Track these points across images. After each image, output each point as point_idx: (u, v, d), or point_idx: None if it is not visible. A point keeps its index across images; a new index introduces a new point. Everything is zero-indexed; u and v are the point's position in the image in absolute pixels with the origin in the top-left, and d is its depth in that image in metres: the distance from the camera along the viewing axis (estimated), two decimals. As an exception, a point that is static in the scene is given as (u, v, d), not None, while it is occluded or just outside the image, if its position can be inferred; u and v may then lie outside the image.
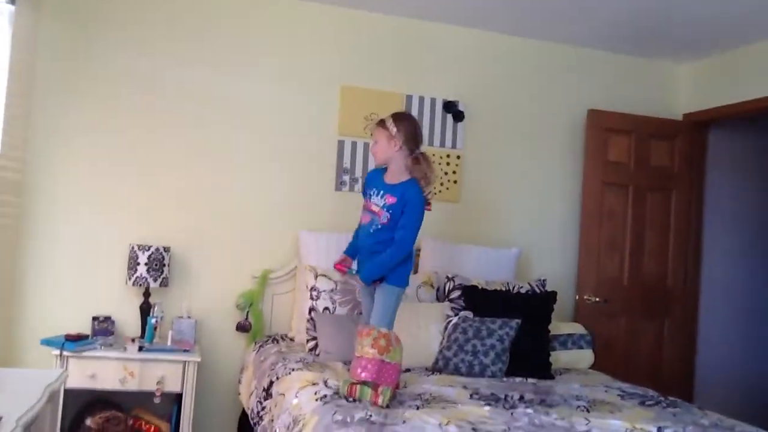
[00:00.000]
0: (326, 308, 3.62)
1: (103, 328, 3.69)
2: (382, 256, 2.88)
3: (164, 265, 3.74)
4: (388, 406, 2.60)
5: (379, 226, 2.90)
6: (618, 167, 4.61)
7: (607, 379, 3.56)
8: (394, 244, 2.87)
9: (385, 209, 2.89)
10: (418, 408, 2.61)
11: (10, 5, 3.27)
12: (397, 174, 2.94)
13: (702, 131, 4.86)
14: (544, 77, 4.64)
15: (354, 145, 4.23)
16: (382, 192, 2.93)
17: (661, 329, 4.66)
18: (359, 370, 2.68)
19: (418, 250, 4.16)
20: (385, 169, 3.01)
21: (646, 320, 4.62)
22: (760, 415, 4.17)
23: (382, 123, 2.97)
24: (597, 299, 4.45)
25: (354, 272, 3.09)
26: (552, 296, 3.83)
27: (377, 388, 2.63)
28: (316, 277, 3.69)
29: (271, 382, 3.10)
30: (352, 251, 3.19)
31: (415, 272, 4.07)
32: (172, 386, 3.51)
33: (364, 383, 2.65)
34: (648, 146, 4.67)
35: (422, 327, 3.51)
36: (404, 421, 2.36)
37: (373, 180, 3.04)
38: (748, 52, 4.40)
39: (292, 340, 3.82)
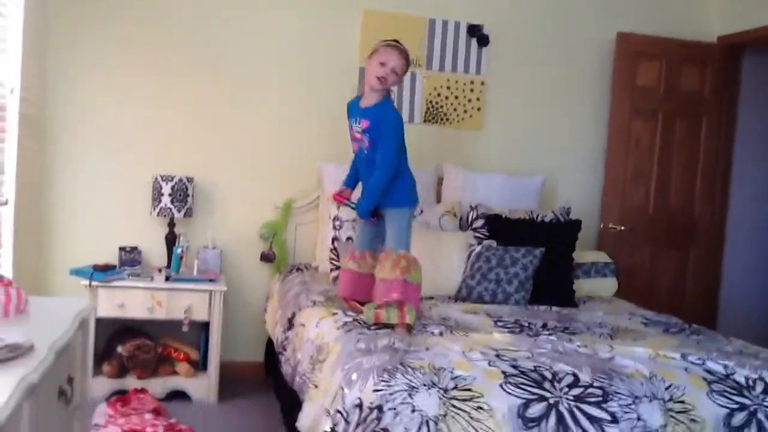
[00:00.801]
0: (349, 238, 3.63)
1: (130, 258, 3.74)
2: (368, 184, 2.90)
3: (188, 195, 3.75)
4: (412, 328, 2.64)
5: (366, 152, 2.89)
6: (647, 93, 4.47)
7: (631, 306, 3.56)
8: (377, 168, 2.84)
9: (364, 134, 2.86)
10: (441, 334, 2.63)
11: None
12: (372, 97, 2.87)
13: (737, 55, 4.66)
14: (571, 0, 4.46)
15: (375, 72, 4.14)
16: (358, 117, 2.89)
17: (686, 259, 4.60)
18: (387, 292, 2.70)
19: (441, 178, 4.13)
20: (360, 97, 2.98)
21: (670, 250, 4.56)
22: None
23: (405, 54, 2.85)
24: (621, 228, 4.41)
25: (352, 205, 3.06)
26: (576, 225, 3.80)
27: (402, 307, 2.66)
28: (338, 206, 3.69)
29: (294, 313, 3.14)
30: (351, 182, 3.16)
31: (438, 201, 4.05)
32: (199, 315, 3.58)
33: (389, 305, 2.67)
34: (679, 71, 4.50)
35: (445, 256, 3.51)
36: (427, 348, 2.38)
37: (352, 108, 2.98)
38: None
39: (316, 269, 3.84)
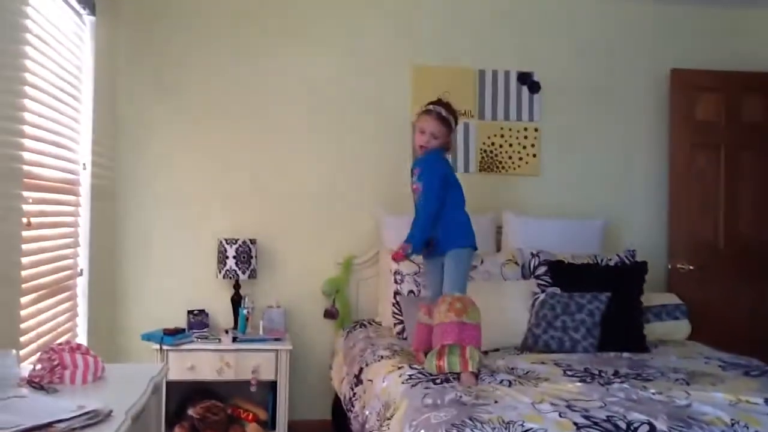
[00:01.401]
0: (411, 291, 3.64)
1: (198, 320, 3.83)
2: (412, 225, 3.03)
3: (252, 257, 3.84)
4: (479, 373, 2.65)
5: (420, 199, 3.05)
6: (707, 126, 4.37)
7: (707, 349, 3.42)
8: (420, 210, 3.05)
9: (418, 182, 3.05)
10: (510, 385, 2.58)
11: (91, 16, 3.40)
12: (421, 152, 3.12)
13: (798, 82, 4.54)
14: (623, 38, 4.45)
15: (428, 125, 4.20)
16: (413, 169, 3.14)
17: (763, 295, 4.40)
18: (441, 337, 2.74)
19: (499, 227, 4.11)
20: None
21: (745, 286, 4.37)
22: None
23: (447, 120, 3.05)
24: (691, 267, 4.27)
25: (410, 253, 3.04)
26: (642, 267, 3.70)
27: (464, 351, 2.67)
28: (398, 262, 3.70)
29: (361, 369, 3.15)
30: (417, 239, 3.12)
31: (498, 250, 4.03)
32: (267, 374, 3.62)
33: (449, 350, 2.69)
34: (739, 102, 4.40)
35: (509, 305, 3.47)
36: (496, 401, 2.34)
37: (415, 164, 3.19)
38: None
39: (379, 324, 3.85)
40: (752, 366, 3.02)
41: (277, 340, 3.68)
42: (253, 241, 3.87)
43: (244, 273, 3.81)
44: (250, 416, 3.68)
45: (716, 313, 4.27)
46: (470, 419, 2.12)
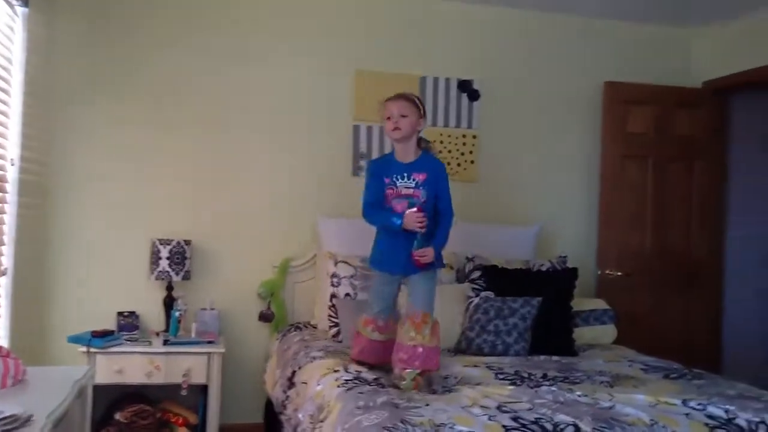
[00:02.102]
0: (347, 294, 3.64)
1: (128, 323, 3.74)
2: (441, 232, 2.86)
3: (186, 258, 3.78)
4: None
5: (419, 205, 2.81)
6: (637, 139, 4.54)
7: (631, 353, 3.54)
8: (444, 217, 2.88)
9: (420, 188, 2.81)
10: (441, 389, 2.61)
11: (23, 7, 3.29)
12: (411, 152, 2.88)
13: (723, 99, 4.76)
14: (559, 51, 4.57)
15: (370, 129, 4.22)
16: (405, 174, 2.83)
17: (686, 302, 4.59)
18: (424, 361, 2.67)
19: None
20: (390, 155, 2.96)
21: (669, 293, 4.55)
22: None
23: (412, 100, 2.87)
24: (619, 273, 4.41)
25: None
26: (573, 273, 3.81)
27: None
28: (335, 263, 3.71)
29: (294, 372, 3.12)
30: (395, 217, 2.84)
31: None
32: (198, 378, 3.56)
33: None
34: (668, 116, 4.58)
35: (443, 309, 3.48)
36: (428, 404, 2.36)
37: (387, 166, 2.89)
38: None
39: (315, 327, 3.84)
40: (672, 369, 3.14)
41: (209, 342, 3.62)
42: (187, 242, 3.81)
43: (177, 274, 3.74)
44: (180, 420, 3.61)
45: (641, 318, 4.44)
46: (402, 422, 2.14)
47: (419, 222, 2.70)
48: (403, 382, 2.62)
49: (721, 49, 4.67)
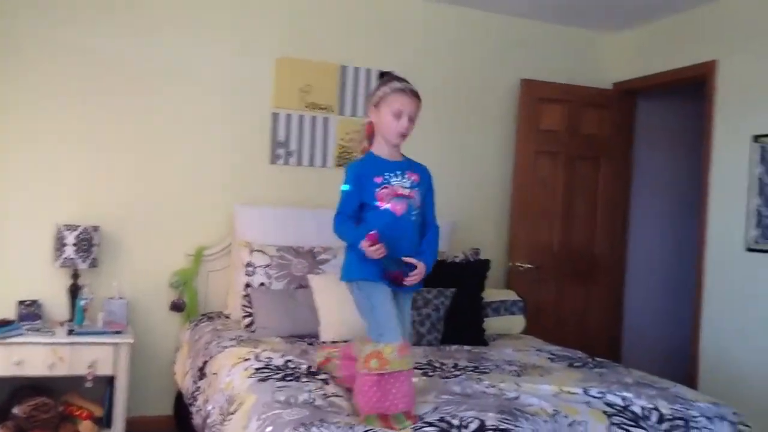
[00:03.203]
0: (262, 283, 3.60)
1: (30, 312, 3.57)
2: (431, 246, 2.53)
3: (93, 245, 3.63)
4: None
5: (414, 211, 2.45)
6: (550, 136, 4.69)
7: (539, 342, 3.67)
8: (431, 228, 2.57)
9: (415, 188, 2.47)
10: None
11: None
12: (394, 151, 2.53)
13: (630, 100, 4.98)
14: (478, 46, 4.65)
15: (289, 117, 4.17)
16: (399, 172, 2.45)
17: (590, 294, 4.81)
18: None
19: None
20: (370, 155, 2.52)
21: (575, 286, 4.76)
22: (681, 374, 4.37)
23: (418, 96, 2.51)
24: (529, 265, 4.56)
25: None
26: (485, 264, 3.90)
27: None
28: (251, 252, 3.66)
29: (205, 362, 3.08)
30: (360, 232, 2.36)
31: (351, 245, 4.07)
32: (105, 369, 3.43)
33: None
34: (579, 115, 4.76)
35: (359, 299, 3.51)
36: (348, 414, 2.31)
37: (374, 166, 2.46)
38: (675, 22, 4.51)
39: (227, 317, 3.78)
40: (576, 358, 3.27)
41: (117, 333, 3.50)
42: (95, 228, 3.66)
43: (84, 262, 3.60)
44: (85, 413, 3.48)
45: (549, 309, 4.62)
46: (320, 421, 2.12)
47: (377, 252, 2.29)
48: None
49: (630, 53, 4.88)
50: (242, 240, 3.78)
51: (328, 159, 4.27)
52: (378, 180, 2.42)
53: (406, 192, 2.43)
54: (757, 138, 3.86)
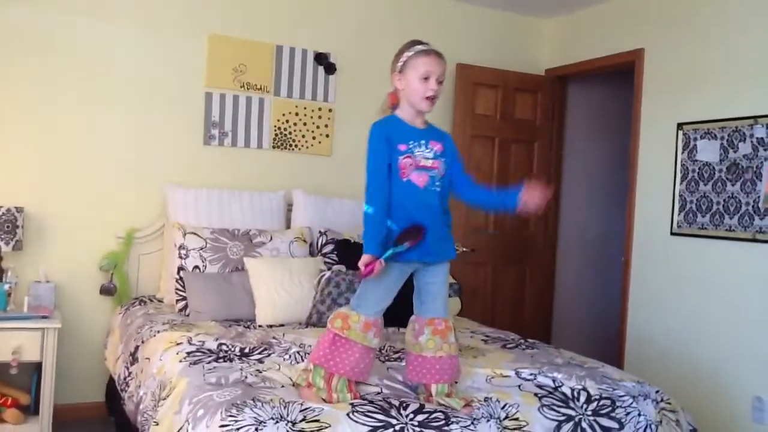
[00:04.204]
0: (196, 267, 3.54)
1: (-51, 297, 3.41)
2: (486, 187, 2.50)
3: (17, 226, 3.49)
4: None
5: (438, 183, 2.35)
6: (485, 120, 4.76)
7: (474, 325, 3.74)
8: (482, 189, 2.54)
9: (438, 159, 2.35)
10: (291, 364, 2.62)
11: None
12: (419, 117, 2.42)
13: (562, 86, 5.10)
14: (415, 30, 4.59)
15: (223, 97, 4.09)
16: (423, 141, 2.34)
17: (523, 275, 4.94)
18: (453, 372, 2.38)
19: (290, 204, 4.13)
20: (394, 117, 2.41)
21: (509, 267, 4.87)
22: (609, 351, 4.55)
23: (443, 57, 2.40)
24: (465, 249, 4.63)
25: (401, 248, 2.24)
26: (422, 248, 3.93)
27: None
28: (184, 235, 3.59)
29: (137, 346, 3.02)
30: (381, 243, 2.25)
31: (288, 227, 4.05)
32: (31, 355, 3.32)
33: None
34: (513, 100, 4.84)
35: (296, 282, 3.50)
36: (283, 386, 2.34)
37: (398, 130, 2.35)
38: (606, 9, 4.63)
39: (161, 301, 3.71)
40: (509, 339, 3.35)
41: (44, 317, 3.38)
42: (19, 210, 3.51)
43: (7, 244, 3.45)
44: (9, 401, 3.36)
45: (485, 291, 4.72)
46: (253, 400, 2.12)
47: (373, 275, 2.21)
48: (449, 399, 2.27)
49: (562, 39, 4.99)
50: (175, 222, 3.70)
51: (264, 140, 4.21)
52: (402, 147, 2.31)
53: (429, 163, 2.32)
54: (680, 126, 4.02)
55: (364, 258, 2.22)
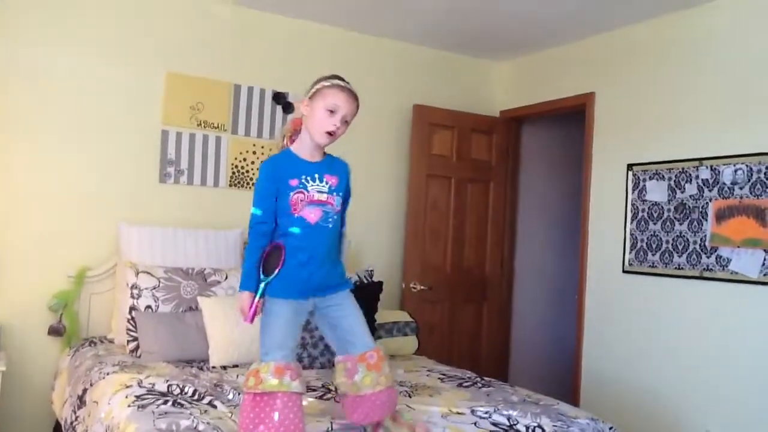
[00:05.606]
0: (148, 306, 3.47)
1: None
2: (342, 252, 2.46)
3: (-39, 266, 3.39)
4: None
5: (334, 217, 2.33)
6: (441, 160, 4.82)
7: (430, 363, 3.73)
8: (343, 237, 2.47)
9: (333, 193, 2.33)
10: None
11: None
12: (316, 151, 2.37)
13: (516, 127, 5.21)
14: (372, 71, 4.72)
15: (179, 135, 4.07)
16: (317, 174, 2.31)
17: (480, 313, 4.97)
18: (392, 404, 2.37)
19: (246, 243, 4.09)
20: (287, 152, 2.37)
21: (466, 305, 4.90)
22: (565, 384, 4.57)
23: (357, 99, 2.40)
24: (422, 287, 4.65)
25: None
26: (378, 286, 3.94)
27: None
28: (137, 274, 3.52)
29: (85, 389, 2.92)
30: (255, 282, 2.26)
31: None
32: (-28, 399, 3.20)
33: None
34: (468, 140, 4.93)
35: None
36: None
37: (289, 165, 2.31)
38: (557, 54, 4.78)
39: (111, 342, 3.61)
40: (466, 377, 3.35)
41: (-12, 360, 3.28)
42: (-36, 248, 3.42)
43: (-50, 284, 3.35)
44: (-52, 448, 3.22)
45: (442, 329, 4.73)
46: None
47: (243, 316, 2.25)
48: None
49: (516, 81, 5.12)
50: (127, 260, 3.63)
51: (221, 178, 4.20)
52: (293, 183, 2.27)
53: (324, 198, 2.29)
54: (630, 166, 4.14)
55: (243, 299, 2.23)
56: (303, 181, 2.28)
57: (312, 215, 2.27)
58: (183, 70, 4.08)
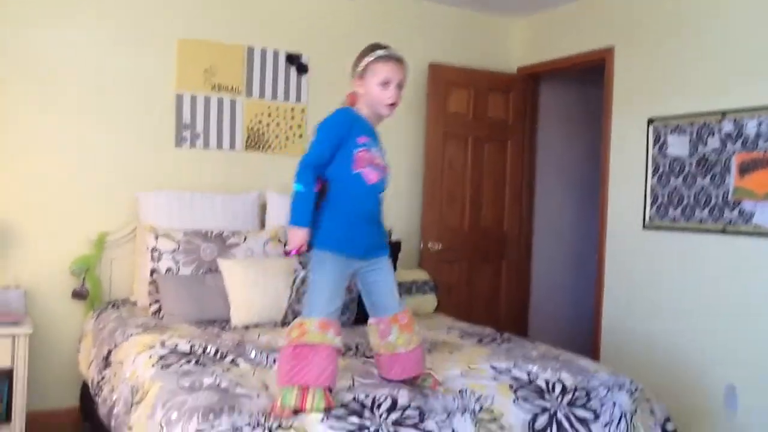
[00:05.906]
0: (169, 269, 3.51)
1: None
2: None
3: (-16, 232, 3.43)
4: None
5: (384, 183, 2.41)
6: (458, 119, 4.77)
7: (449, 321, 3.75)
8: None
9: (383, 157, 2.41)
10: (270, 367, 2.59)
11: None
12: (377, 120, 2.44)
13: (534, 84, 5.13)
14: (388, 31, 4.64)
15: (194, 99, 4.06)
16: (378, 143, 2.41)
17: (498, 273, 4.96)
18: (421, 363, 2.45)
19: (264, 204, 4.11)
20: (354, 111, 2.40)
21: (484, 265, 4.89)
22: (584, 344, 4.58)
23: (403, 62, 2.41)
24: (439, 246, 4.64)
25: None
26: (397, 246, 3.94)
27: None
28: (156, 237, 3.55)
29: (110, 350, 2.98)
30: (309, 217, 2.28)
31: (262, 227, 4.03)
32: (2, 362, 3.25)
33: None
34: (485, 99, 4.87)
35: (270, 282, 3.48)
36: (258, 395, 2.30)
37: (360, 124, 2.35)
38: (575, 8, 4.67)
39: (134, 304, 3.67)
40: (485, 334, 3.37)
41: (14, 323, 3.33)
42: (-13, 215, 3.46)
43: (-25, 250, 3.39)
44: (-20, 409, 3.31)
45: (460, 287, 4.73)
46: (230, 408, 2.07)
47: (292, 247, 2.27)
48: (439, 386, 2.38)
49: (534, 38, 5.02)
50: (147, 224, 3.66)
51: (237, 141, 4.19)
52: (361, 140, 2.30)
53: (382, 163, 2.37)
54: (651, 121, 4.07)
55: (299, 235, 2.23)
56: (370, 141, 2.33)
57: (372, 175, 2.31)
58: (195, 35, 4.05)
